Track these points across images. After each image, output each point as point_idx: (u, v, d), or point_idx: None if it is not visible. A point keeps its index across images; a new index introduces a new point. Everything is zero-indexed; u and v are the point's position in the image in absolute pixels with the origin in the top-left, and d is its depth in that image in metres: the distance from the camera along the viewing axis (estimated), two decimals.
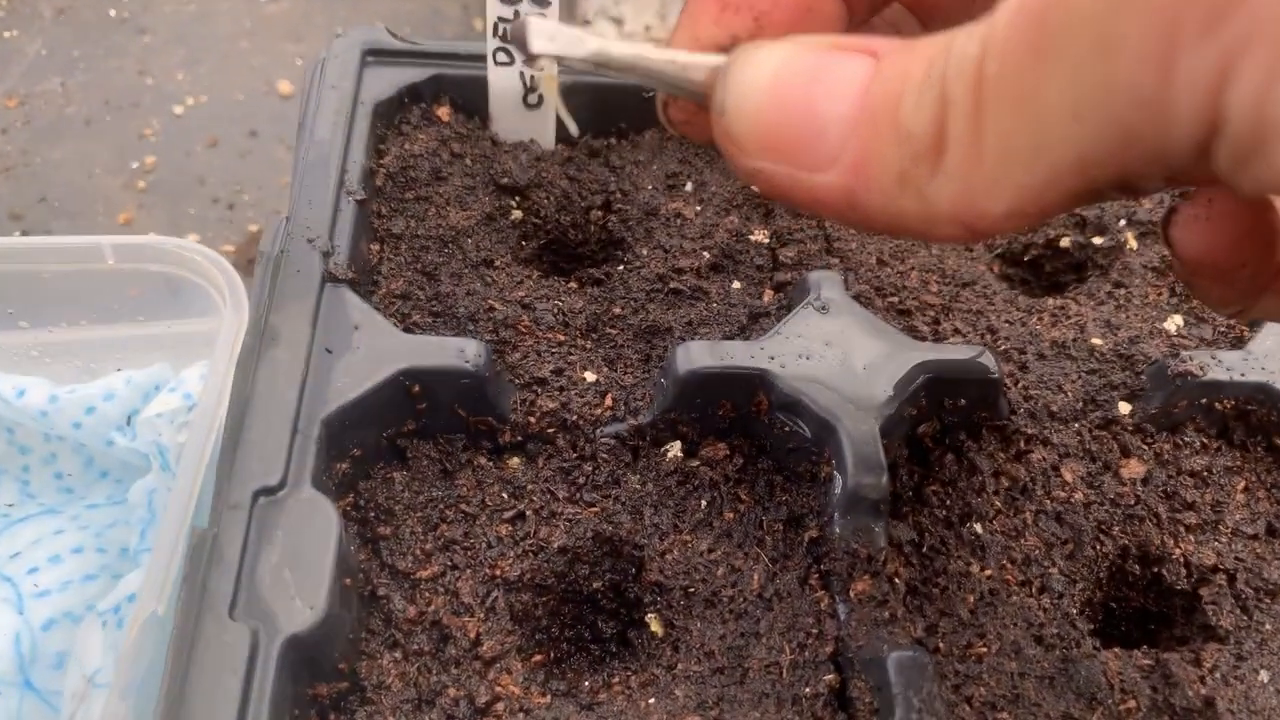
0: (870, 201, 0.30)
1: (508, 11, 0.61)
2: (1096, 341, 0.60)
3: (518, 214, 0.64)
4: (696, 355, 0.53)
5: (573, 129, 0.47)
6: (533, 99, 0.65)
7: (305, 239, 0.55)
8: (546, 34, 0.36)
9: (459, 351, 0.52)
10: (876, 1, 0.40)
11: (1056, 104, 0.26)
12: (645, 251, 0.62)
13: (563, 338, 0.58)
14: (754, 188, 0.41)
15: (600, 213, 0.65)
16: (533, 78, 0.64)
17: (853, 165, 0.30)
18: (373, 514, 0.51)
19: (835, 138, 0.30)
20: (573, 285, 0.62)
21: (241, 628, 0.42)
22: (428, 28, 1.88)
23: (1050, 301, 0.63)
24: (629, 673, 0.49)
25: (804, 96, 0.30)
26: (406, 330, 0.56)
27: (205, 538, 0.45)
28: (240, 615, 0.43)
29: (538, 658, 0.50)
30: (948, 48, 0.28)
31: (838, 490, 0.50)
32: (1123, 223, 0.66)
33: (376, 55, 0.65)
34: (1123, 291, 0.63)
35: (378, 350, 0.52)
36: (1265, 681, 0.49)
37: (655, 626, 0.50)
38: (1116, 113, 0.25)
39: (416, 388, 0.52)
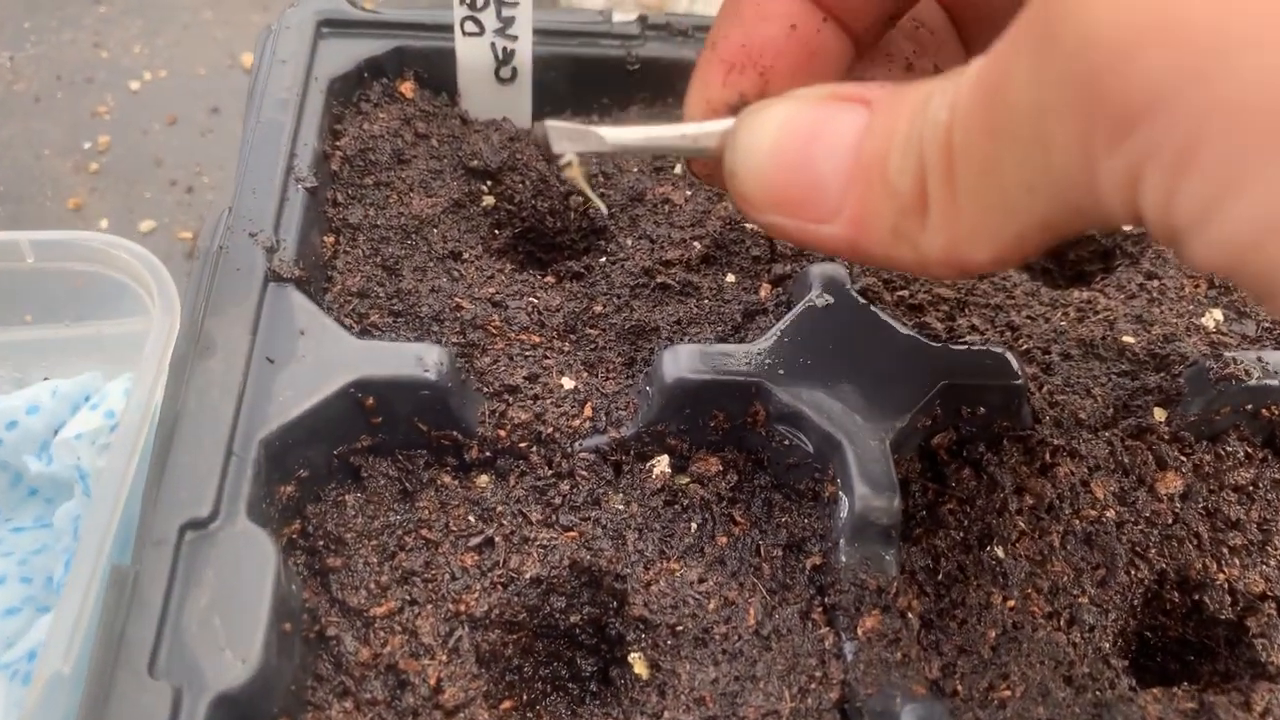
0: (871, 250, 0.34)
1: None
2: (1128, 339, 0.54)
3: (489, 200, 0.58)
4: (685, 362, 0.48)
5: (602, 209, 0.53)
6: (505, 72, 0.59)
7: (247, 233, 0.49)
8: (566, 136, 0.40)
9: (417, 359, 0.46)
10: (880, 28, 0.41)
11: (1013, 178, 0.29)
12: (630, 242, 0.56)
13: (537, 339, 0.52)
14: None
15: (581, 198, 0.59)
16: (505, 49, 0.58)
17: (852, 219, 0.33)
18: (322, 543, 0.45)
19: (835, 194, 0.33)
20: (549, 280, 0.56)
21: (163, 686, 0.37)
22: None
23: (1076, 294, 0.57)
24: None
25: (804, 156, 0.33)
26: (363, 333, 0.51)
27: (125, 577, 0.40)
28: (162, 671, 0.37)
29: (506, 704, 0.44)
30: (924, 106, 0.30)
31: (844, 514, 0.45)
32: None
33: (333, 26, 0.59)
34: (1156, 283, 0.58)
35: (326, 359, 0.46)
36: None
37: (640, 668, 0.45)
38: (1061, 192, 0.28)
39: (370, 400, 0.46)
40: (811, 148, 0.33)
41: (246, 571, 0.40)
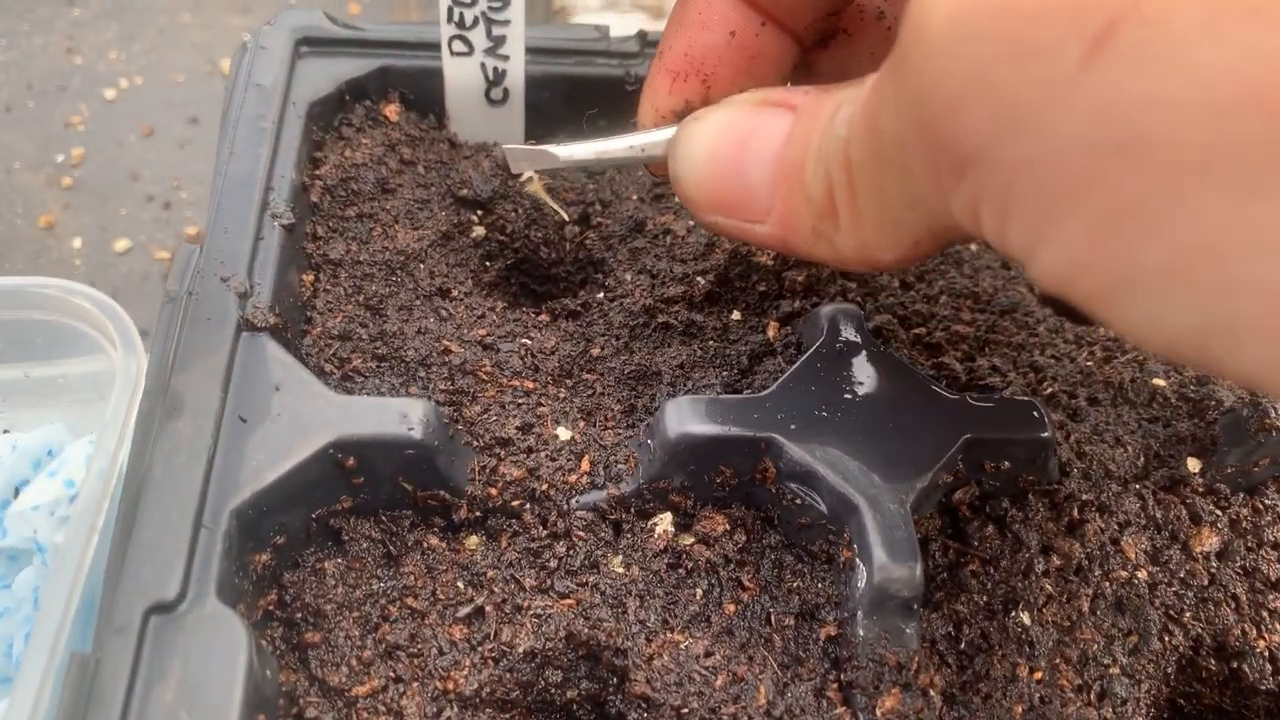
0: (798, 247, 0.37)
1: None
2: (1158, 381, 0.51)
3: (480, 230, 0.55)
4: (689, 416, 0.44)
5: (564, 216, 0.53)
6: (496, 93, 0.56)
7: (219, 277, 0.46)
8: (523, 157, 0.45)
9: (402, 416, 0.43)
10: (819, 25, 0.42)
11: (895, 195, 0.32)
12: (629, 277, 0.53)
13: (531, 385, 0.49)
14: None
15: (577, 228, 0.55)
16: (496, 69, 0.54)
17: (780, 220, 0.36)
18: (300, 615, 0.42)
19: (764, 197, 0.35)
20: (544, 319, 0.53)
21: None
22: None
23: (1102, 330, 0.54)
24: None
25: (736, 163, 0.36)
26: (344, 379, 0.47)
27: (85, 667, 0.36)
28: None
29: None
30: (831, 120, 0.33)
31: (861, 583, 0.42)
32: None
33: (312, 45, 0.55)
34: None
35: (303, 417, 0.43)
36: None
37: None
38: (932, 212, 0.31)
39: (351, 461, 0.43)
40: (742, 154, 0.36)
41: (216, 660, 0.37)
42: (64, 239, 1.24)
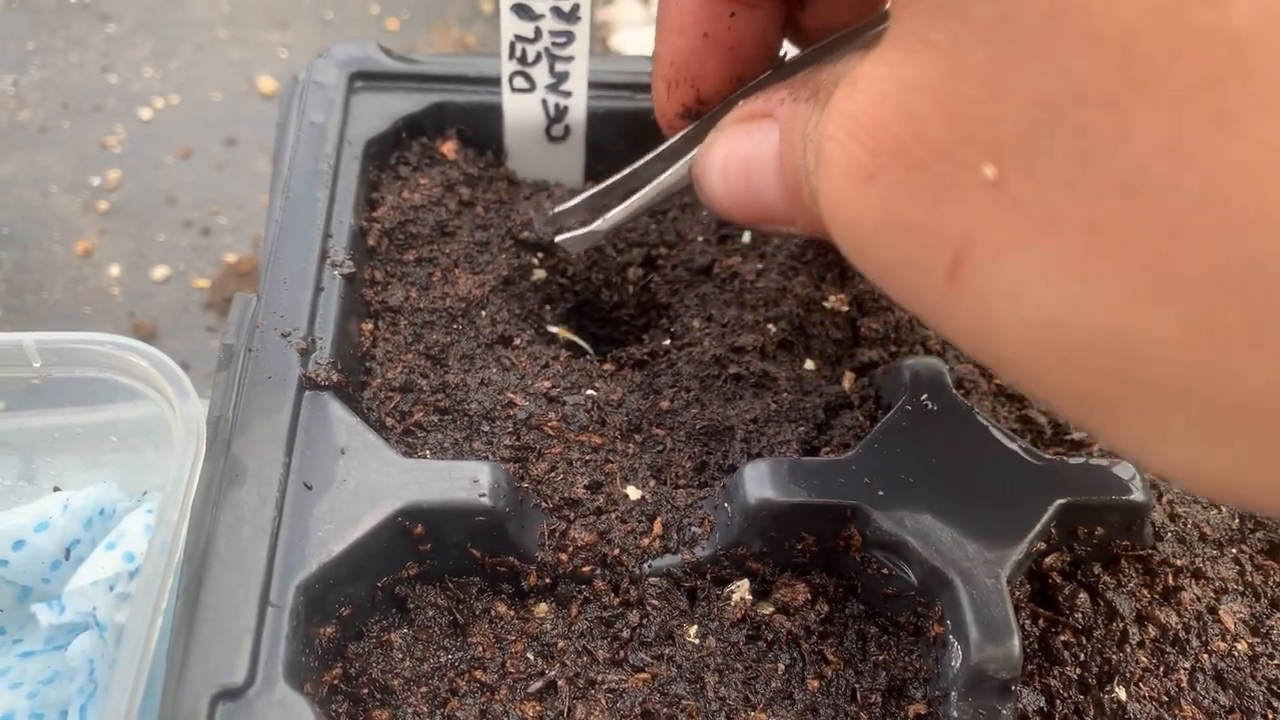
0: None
1: (527, 30, 0.49)
2: None
3: (540, 273, 0.53)
4: (770, 481, 0.42)
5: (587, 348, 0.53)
6: (557, 130, 0.54)
7: (279, 332, 0.44)
8: (579, 243, 0.47)
9: (473, 482, 0.41)
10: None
11: None
12: (697, 324, 0.51)
13: (599, 440, 0.47)
14: None
15: (640, 270, 0.53)
16: (558, 106, 0.52)
17: (805, 225, 0.37)
18: (366, 690, 0.40)
19: (783, 209, 0.37)
20: (609, 368, 0.51)
21: None
22: (428, 10, 1.68)
23: None
24: None
25: (747, 190, 0.37)
26: (405, 434, 0.46)
27: None
28: None
29: None
30: (803, 143, 0.34)
31: (955, 662, 0.40)
32: None
33: (367, 79, 0.53)
34: None
35: (370, 484, 0.41)
36: None
37: None
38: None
39: (419, 528, 0.41)
40: (750, 181, 0.37)
41: None
42: (101, 266, 1.22)
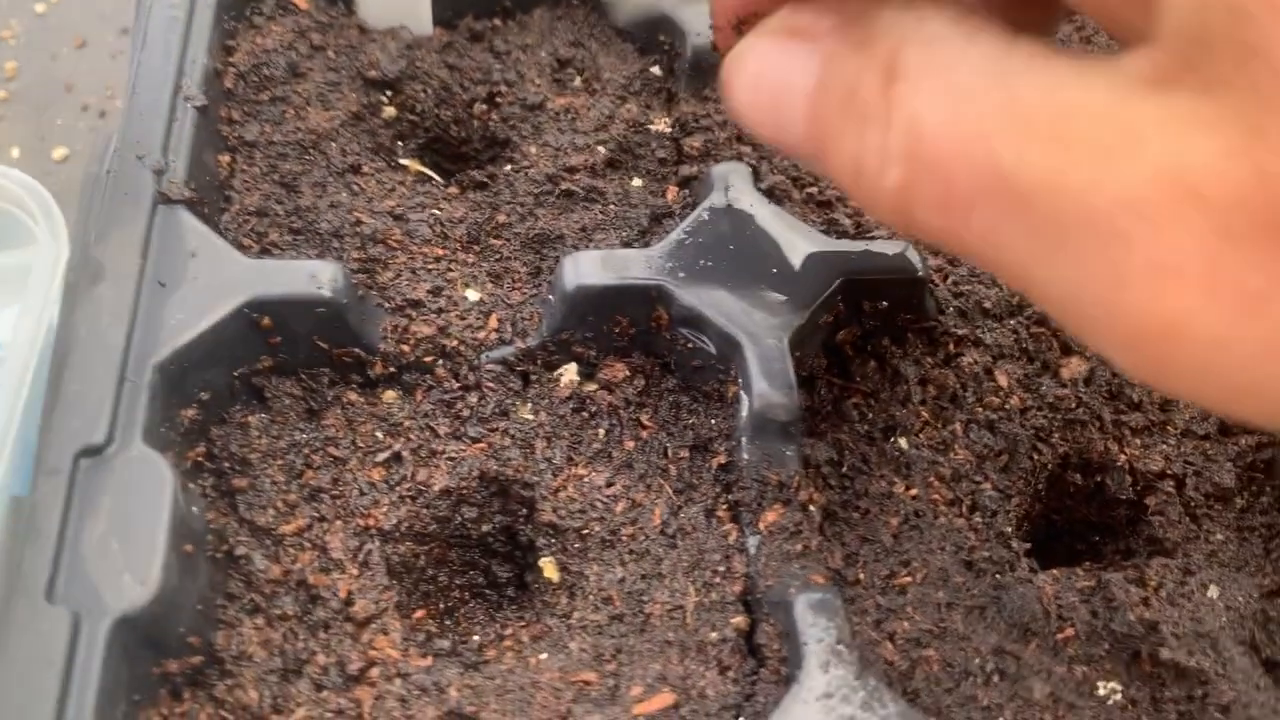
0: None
1: None
2: None
3: (390, 111, 0.57)
4: (586, 269, 0.47)
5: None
6: None
7: (135, 155, 0.48)
8: None
9: (310, 276, 0.46)
10: None
11: None
12: (534, 150, 0.56)
13: (441, 252, 0.52)
14: None
15: (484, 106, 0.58)
16: None
17: (820, 162, 0.33)
18: (227, 464, 0.45)
19: (802, 143, 0.33)
20: (453, 190, 0.55)
21: (60, 611, 0.37)
22: None
23: None
24: (521, 625, 0.45)
25: (772, 111, 0.34)
26: (263, 252, 0.50)
27: (22, 508, 0.40)
28: (60, 597, 0.38)
29: (419, 614, 0.45)
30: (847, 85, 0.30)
31: (745, 412, 0.45)
32: None
33: None
34: None
35: (218, 280, 0.45)
36: (1214, 598, 0.45)
37: (550, 572, 0.46)
38: None
39: (266, 320, 0.46)
40: (778, 110, 0.34)
41: (143, 495, 0.40)
42: (4, 149, 1.25)
